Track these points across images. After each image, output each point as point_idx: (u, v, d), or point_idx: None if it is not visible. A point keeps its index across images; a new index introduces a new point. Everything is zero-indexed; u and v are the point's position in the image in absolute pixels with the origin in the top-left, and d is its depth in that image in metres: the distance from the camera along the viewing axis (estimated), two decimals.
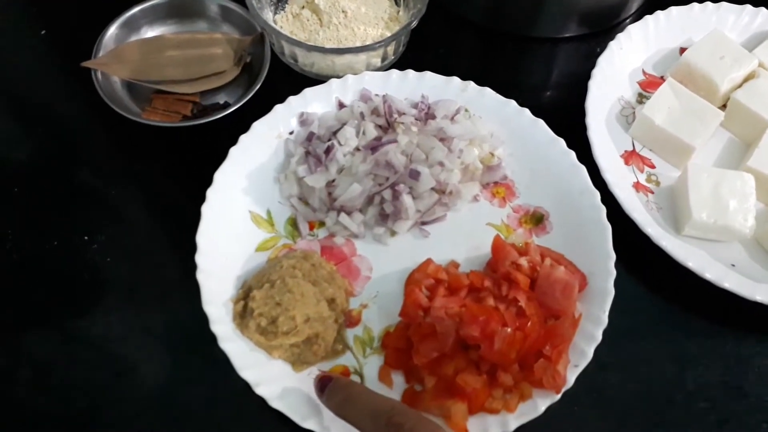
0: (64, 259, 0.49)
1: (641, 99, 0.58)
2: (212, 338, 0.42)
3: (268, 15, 0.55)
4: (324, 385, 0.38)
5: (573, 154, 0.51)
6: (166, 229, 0.51)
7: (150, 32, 0.56)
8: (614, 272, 0.46)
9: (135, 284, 0.48)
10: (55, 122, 0.55)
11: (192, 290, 0.44)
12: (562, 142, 0.52)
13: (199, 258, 0.45)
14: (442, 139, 0.51)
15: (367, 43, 0.55)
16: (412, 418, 0.34)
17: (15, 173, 0.52)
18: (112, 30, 0.54)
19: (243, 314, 0.44)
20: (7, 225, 0.50)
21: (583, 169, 0.50)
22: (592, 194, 0.49)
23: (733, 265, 0.50)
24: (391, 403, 0.36)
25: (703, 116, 0.53)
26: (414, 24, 0.52)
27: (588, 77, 0.56)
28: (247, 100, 0.52)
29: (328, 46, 0.55)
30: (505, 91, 0.55)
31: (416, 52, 0.58)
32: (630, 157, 0.55)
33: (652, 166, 0.54)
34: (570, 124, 0.55)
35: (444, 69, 0.56)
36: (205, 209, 0.47)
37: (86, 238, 0.49)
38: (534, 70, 0.62)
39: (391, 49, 0.55)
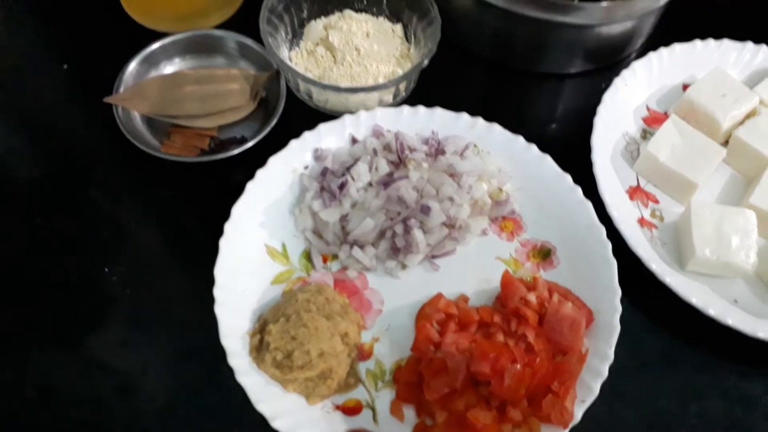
0: (84, 290, 0.50)
1: (645, 135, 0.59)
2: (229, 371, 0.44)
3: (284, 53, 0.57)
4: None
5: (579, 190, 0.52)
6: (184, 261, 0.52)
7: (169, 67, 0.58)
8: (620, 308, 0.47)
9: (153, 316, 0.49)
10: (77, 154, 0.56)
11: (209, 323, 0.45)
12: (568, 177, 0.53)
13: (217, 292, 0.46)
14: (452, 175, 0.53)
15: (380, 80, 0.57)
16: None
17: (37, 204, 0.54)
18: (133, 66, 0.56)
19: (259, 348, 0.45)
20: (28, 253, 0.52)
21: (589, 205, 0.52)
22: (598, 230, 0.51)
23: (736, 301, 0.51)
24: None
25: (706, 153, 0.55)
26: (425, 64, 0.54)
27: (593, 112, 0.58)
28: (264, 134, 0.54)
29: (341, 82, 0.56)
30: (512, 125, 0.56)
31: (426, 86, 0.60)
32: (635, 192, 0.56)
33: (657, 201, 0.56)
34: (576, 159, 0.57)
35: (453, 103, 0.57)
36: (223, 243, 0.48)
37: (106, 269, 0.50)
38: (541, 105, 0.63)
39: (402, 86, 0.56)
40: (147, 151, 0.52)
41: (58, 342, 0.48)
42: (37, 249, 0.52)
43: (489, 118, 0.56)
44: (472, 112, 0.56)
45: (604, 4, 0.55)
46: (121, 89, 0.55)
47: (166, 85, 0.55)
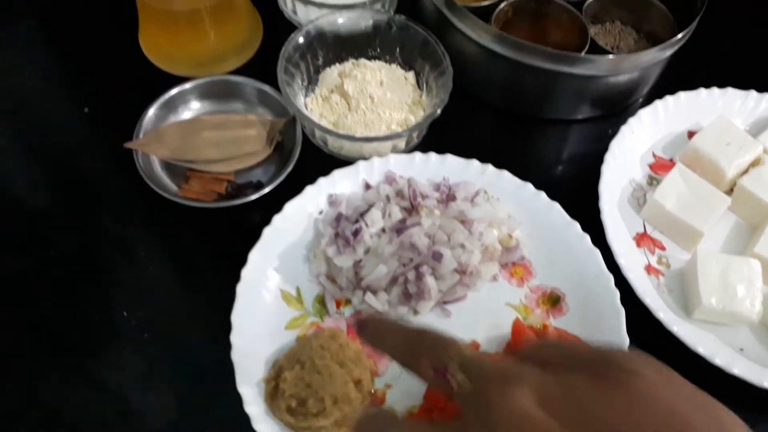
0: (102, 332, 0.51)
1: (651, 181, 0.61)
2: (245, 418, 0.45)
3: (300, 100, 0.59)
4: (361, 326, 0.36)
5: (587, 237, 0.54)
6: (199, 306, 0.53)
7: (187, 112, 0.60)
8: None
9: (170, 361, 0.50)
10: (95, 196, 0.58)
11: (224, 368, 0.46)
12: (577, 225, 0.54)
13: (234, 338, 0.47)
14: (462, 221, 0.54)
15: (393, 127, 0.58)
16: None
17: (55, 244, 0.55)
18: (152, 111, 0.57)
19: (274, 395, 0.46)
20: (47, 296, 0.53)
21: (598, 253, 0.53)
22: (607, 278, 0.52)
23: (742, 350, 0.52)
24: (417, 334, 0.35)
25: (711, 202, 0.56)
26: (437, 114, 0.56)
27: (600, 157, 0.59)
28: (280, 180, 0.55)
29: (355, 128, 0.58)
30: (521, 169, 0.58)
31: (437, 130, 0.61)
32: (642, 239, 0.57)
33: (663, 248, 0.57)
34: (584, 203, 0.58)
35: (462, 147, 0.59)
36: (240, 289, 0.49)
37: (125, 314, 0.51)
38: (549, 150, 0.65)
39: (415, 134, 0.58)
40: (166, 196, 0.54)
41: (72, 374, 0.49)
42: (55, 294, 0.53)
43: (498, 163, 0.58)
44: (482, 157, 0.58)
45: (610, 56, 0.57)
46: (141, 134, 0.56)
47: (184, 130, 0.56)
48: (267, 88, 0.59)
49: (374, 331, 0.35)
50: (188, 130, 0.57)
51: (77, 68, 0.65)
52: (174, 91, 0.59)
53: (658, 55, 0.59)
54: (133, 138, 0.56)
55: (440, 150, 0.60)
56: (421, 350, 0.32)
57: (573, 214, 0.55)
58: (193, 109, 0.60)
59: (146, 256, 0.54)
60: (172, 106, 0.59)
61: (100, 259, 0.54)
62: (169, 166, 0.57)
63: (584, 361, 0.30)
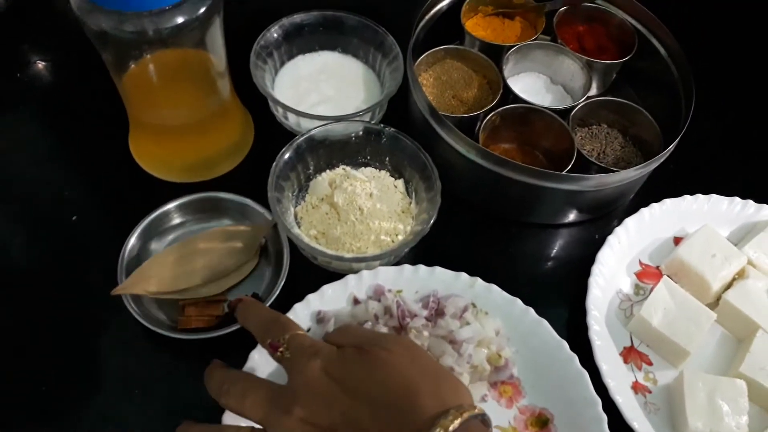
0: None
1: (638, 291, 0.61)
2: None
3: (290, 214, 0.59)
4: (232, 307, 0.48)
5: (576, 359, 0.54)
6: None
7: (169, 235, 0.59)
8: None
9: None
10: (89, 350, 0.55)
11: None
12: (565, 345, 0.54)
13: None
14: (451, 342, 0.54)
15: (381, 237, 0.58)
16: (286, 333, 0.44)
17: (49, 385, 0.53)
18: (133, 240, 0.56)
19: None
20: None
21: (586, 375, 0.53)
22: (595, 402, 0.52)
23: None
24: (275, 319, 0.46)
25: (698, 319, 0.56)
26: (426, 231, 0.56)
27: (588, 262, 0.60)
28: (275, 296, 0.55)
29: (344, 239, 0.58)
30: (509, 276, 0.58)
31: (425, 238, 0.62)
32: (629, 354, 0.58)
33: (650, 363, 0.57)
34: (572, 315, 0.59)
35: (449, 250, 0.61)
36: (226, 418, 0.49)
37: None
38: (536, 254, 0.65)
39: (404, 249, 0.58)
40: (164, 333, 0.52)
41: None
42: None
43: (486, 268, 0.58)
44: (468, 261, 0.59)
45: (596, 175, 0.58)
46: (125, 263, 0.55)
47: (169, 260, 0.55)
48: (252, 203, 0.59)
49: (241, 313, 0.47)
50: (173, 260, 0.56)
51: (68, 171, 0.65)
52: (155, 214, 0.57)
53: (645, 171, 0.60)
54: (117, 267, 0.54)
55: (427, 253, 0.61)
56: (267, 330, 0.44)
57: (560, 327, 0.56)
58: (176, 230, 0.59)
59: (145, 392, 0.53)
60: (155, 230, 0.58)
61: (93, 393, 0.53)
62: (160, 301, 0.55)
63: (361, 340, 0.43)
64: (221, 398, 0.43)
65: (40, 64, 0.72)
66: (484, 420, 0.40)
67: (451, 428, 0.37)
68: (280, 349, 0.43)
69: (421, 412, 0.38)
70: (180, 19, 0.49)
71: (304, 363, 0.41)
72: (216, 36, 0.55)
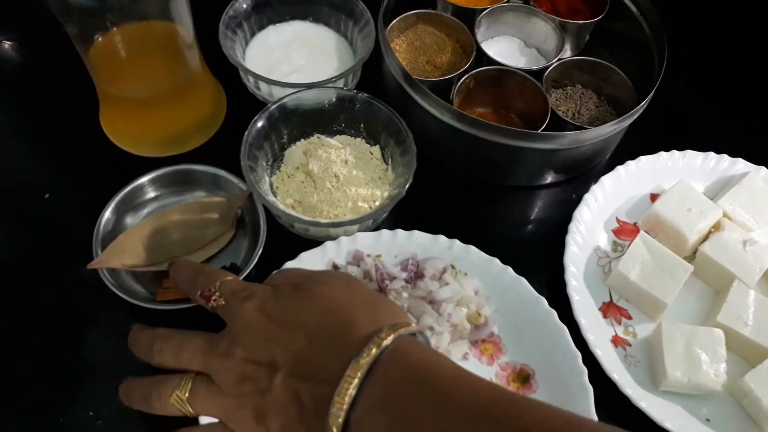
0: None
1: (616, 248, 0.61)
2: None
3: (265, 183, 0.58)
4: (169, 267, 0.50)
5: (555, 314, 0.54)
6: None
7: (144, 208, 0.58)
8: None
9: None
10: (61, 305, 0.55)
11: None
12: (543, 302, 0.55)
13: None
14: (431, 302, 0.54)
15: (359, 203, 0.58)
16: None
17: (25, 360, 0.53)
18: (108, 214, 0.55)
19: None
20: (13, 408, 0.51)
21: (565, 330, 0.53)
22: (574, 356, 0.52)
23: (708, 420, 0.53)
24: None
25: (675, 272, 0.57)
26: (402, 194, 0.56)
27: (565, 222, 0.60)
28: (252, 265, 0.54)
29: (321, 207, 0.58)
30: (487, 238, 0.58)
31: (402, 199, 0.61)
32: (608, 309, 0.58)
33: (629, 317, 0.58)
34: (550, 274, 0.59)
35: (428, 215, 0.60)
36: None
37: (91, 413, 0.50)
38: (514, 216, 0.65)
39: (382, 214, 0.58)
40: (142, 305, 0.51)
41: None
42: (22, 400, 0.51)
43: (464, 231, 0.58)
44: (447, 225, 0.58)
45: (571, 132, 0.58)
46: (100, 237, 0.54)
47: (144, 234, 0.55)
48: (226, 174, 0.58)
49: (172, 276, 0.48)
50: (149, 233, 0.55)
51: (39, 150, 0.64)
52: (129, 188, 0.56)
53: (619, 126, 0.60)
54: (93, 242, 0.53)
55: (406, 219, 0.60)
56: (195, 282, 0.45)
57: (539, 286, 0.56)
58: (150, 204, 0.58)
59: (123, 365, 0.51)
60: (129, 203, 0.57)
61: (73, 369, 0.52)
62: (136, 273, 0.55)
63: (298, 279, 0.43)
64: (154, 358, 0.43)
65: (6, 44, 0.71)
66: (420, 337, 0.41)
67: (383, 344, 0.37)
68: (213, 298, 0.43)
69: (357, 335, 0.38)
70: None
71: (240, 305, 0.42)
72: (181, 5, 0.55)
